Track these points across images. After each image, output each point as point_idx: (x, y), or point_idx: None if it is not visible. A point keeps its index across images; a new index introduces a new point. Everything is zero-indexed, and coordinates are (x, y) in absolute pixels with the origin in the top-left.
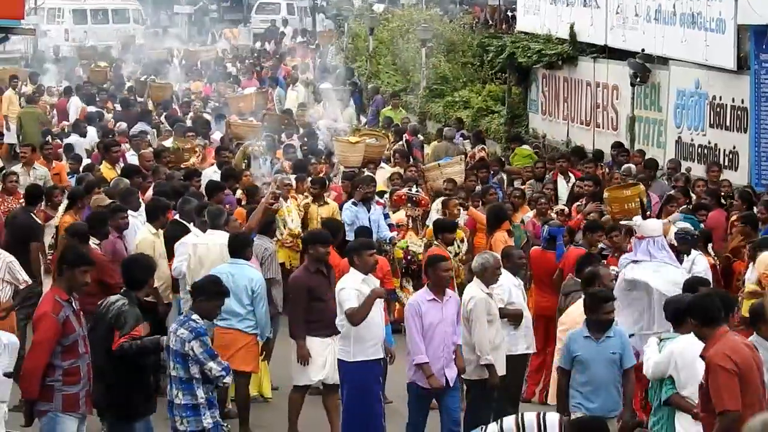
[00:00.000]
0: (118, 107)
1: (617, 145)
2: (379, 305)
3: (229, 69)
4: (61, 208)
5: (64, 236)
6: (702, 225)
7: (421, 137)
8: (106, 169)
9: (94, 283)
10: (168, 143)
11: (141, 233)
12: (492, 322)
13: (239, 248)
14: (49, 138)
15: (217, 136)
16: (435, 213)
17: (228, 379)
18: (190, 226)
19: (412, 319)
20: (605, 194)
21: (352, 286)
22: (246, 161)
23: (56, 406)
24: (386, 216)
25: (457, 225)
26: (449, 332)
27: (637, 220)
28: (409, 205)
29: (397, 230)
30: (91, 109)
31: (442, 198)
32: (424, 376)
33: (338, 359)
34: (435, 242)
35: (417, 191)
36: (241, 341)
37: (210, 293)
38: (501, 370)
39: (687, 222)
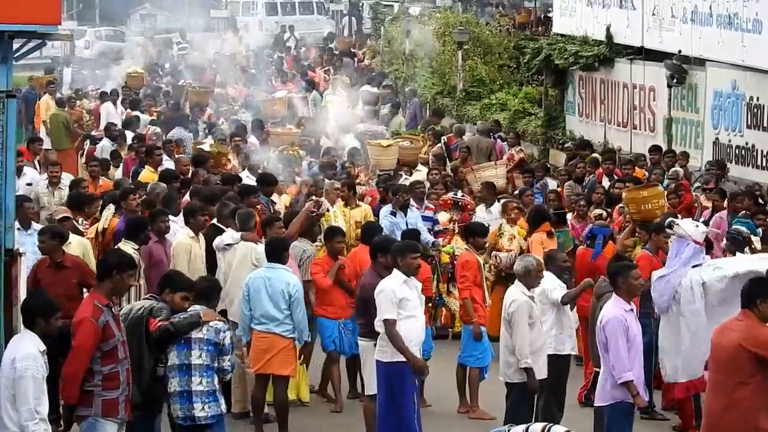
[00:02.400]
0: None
1: (654, 149)
2: (420, 307)
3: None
4: (106, 213)
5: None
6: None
7: (465, 139)
8: (149, 173)
9: (76, 286)
10: (206, 147)
11: (179, 236)
12: (533, 325)
13: (276, 253)
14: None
15: (253, 140)
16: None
17: (229, 376)
18: (229, 230)
19: (619, 334)
20: (623, 196)
21: (391, 288)
22: (280, 165)
23: (96, 411)
24: (435, 222)
25: (488, 229)
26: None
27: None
28: (454, 209)
29: (443, 235)
30: (135, 113)
31: (502, 201)
32: (629, 394)
33: (376, 360)
34: (465, 247)
35: (462, 195)
36: (279, 345)
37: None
38: (542, 373)
39: (743, 226)
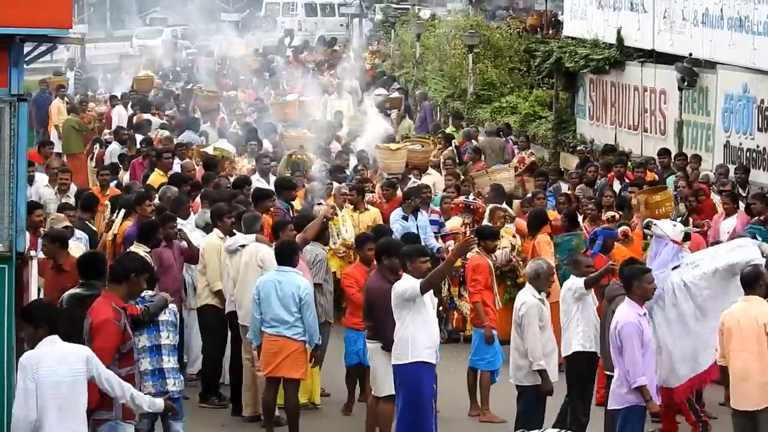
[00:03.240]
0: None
1: (663, 152)
2: (433, 310)
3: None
4: (117, 218)
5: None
6: None
7: (474, 142)
8: (158, 176)
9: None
10: (209, 150)
11: (208, 237)
12: (544, 328)
13: (286, 256)
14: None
15: (266, 144)
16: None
17: None
18: (239, 234)
19: (635, 338)
20: (633, 200)
21: (409, 285)
22: (289, 169)
23: (117, 415)
24: (441, 225)
25: (499, 233)
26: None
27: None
28: (465, 213)
29: (453, 238)
30: (146, 116)
31: (490, 206)
32: (643, 399)
33: (393, 364)
34: (476, 250)
35: (474, 199)
36: (290, 348)
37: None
38: (554, 376)
39: (755, 232)
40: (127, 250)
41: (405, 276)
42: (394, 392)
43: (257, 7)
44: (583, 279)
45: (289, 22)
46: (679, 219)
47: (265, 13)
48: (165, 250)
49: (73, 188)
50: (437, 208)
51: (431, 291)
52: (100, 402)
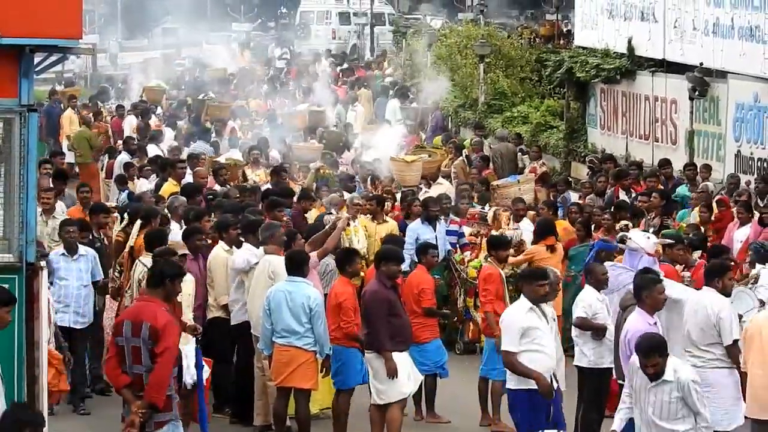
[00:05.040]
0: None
1: (665, 162)
2: (550, 336)
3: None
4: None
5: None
6: None
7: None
8: (171, 186)
9: None
10: (221, 159)
11: (214, 251)
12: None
13: (297, 266)
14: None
15: (275, 153)
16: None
17: None
18: (248, 246)
19: None
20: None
21: (513, 318)
22: (316, 183)
23: (175, 414)
24: (461, 235)
25: (510, 242)
26: None
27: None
28: (481, 223)
29: (469, 248)
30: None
31: (493, 208)
32: None
33: (508, 388)
34: (488, 260)
35: (489, 209)
36: (300, 358)
37: None
38: (561, 384)
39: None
40: (137, 259)
41: (521, 299)
42: (395, 399)
43: (269, 17)
44: (583, 320)
45: (323, 30)
46: (651, 230)
47: (299, 22)
48: (191, 263)
49: (60, 207)
50: (457, 219)
51: (550, 314)
52: (164, 404)
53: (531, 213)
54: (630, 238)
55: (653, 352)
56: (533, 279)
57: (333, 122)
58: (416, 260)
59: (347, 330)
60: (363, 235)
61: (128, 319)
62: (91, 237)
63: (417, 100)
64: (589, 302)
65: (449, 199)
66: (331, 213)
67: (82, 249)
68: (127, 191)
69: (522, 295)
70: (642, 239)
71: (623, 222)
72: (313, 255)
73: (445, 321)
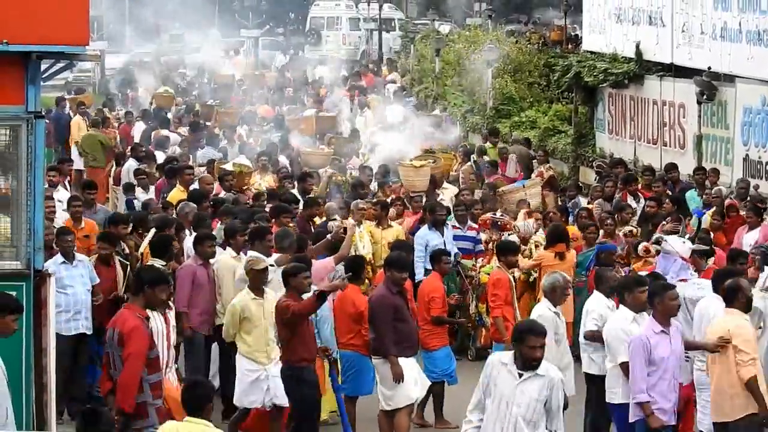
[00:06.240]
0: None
1: (671, 167)
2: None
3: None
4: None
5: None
6: None
7: (487, 158)
8: (178, 192)
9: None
10: (228, 166)
11: (221, 256)
12: (559, 341)
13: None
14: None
15: (282, 159)
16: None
17: None
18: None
19: (638, 355)
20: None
21: (619, 327)
22: (329, 189)
23: (152, 421)
24: (477, 241)
25: (519, 248)
26: (676, 366)
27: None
28: (493, 229)
29: (482, 255)
30: (164, 132)
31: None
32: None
33: (608, 402)
34: (497, 266)
35: (501, 215)
36: None
37: None
38: (570, 390)
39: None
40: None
41: (621, 309)
42: (402, 405)
43: (277, 23)
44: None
45: (334, 36)
46: (687, 236)
47: (309, 28)
48: (199, 268)
49: (60, 216)
50: (475, 225)
51: None
52: (136, 410)
53: (536, 215)
54: (666, 240)
55: (542, 333)
56: (634, 286)
57: (344, 128)
58: (430, 267)
59: (368, 338)
60: (368, 240)
61: (110, 326)
62: (121, 249)
63: (425, 106)
64: (599, 312)
65: (463, 206)
66: (334, 219)
67: (79, 255)
68: (126, 199)
69: (621, 305)
70: (678, 244)
71: (627, 228)
72: (330, 260)
73: (456, 327)
